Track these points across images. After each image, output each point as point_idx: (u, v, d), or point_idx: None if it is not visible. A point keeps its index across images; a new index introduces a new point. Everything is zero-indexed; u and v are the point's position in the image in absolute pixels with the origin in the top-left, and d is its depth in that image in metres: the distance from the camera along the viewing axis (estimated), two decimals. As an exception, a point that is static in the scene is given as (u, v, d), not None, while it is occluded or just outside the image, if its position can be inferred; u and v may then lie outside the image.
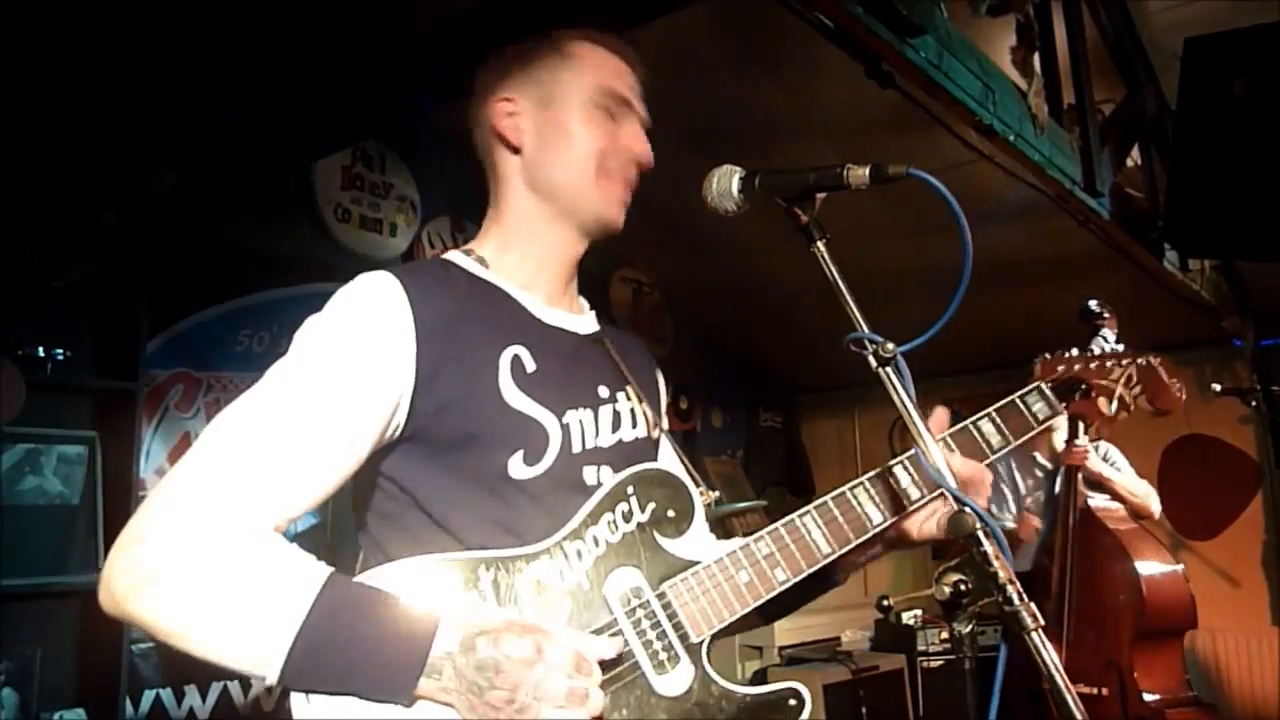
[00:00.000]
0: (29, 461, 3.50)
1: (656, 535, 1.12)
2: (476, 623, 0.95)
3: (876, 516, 1.25)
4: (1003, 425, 1.38)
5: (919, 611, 5.00)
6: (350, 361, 1.05)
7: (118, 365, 3.71)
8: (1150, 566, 3.32)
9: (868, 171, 1.14)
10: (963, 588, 1.00)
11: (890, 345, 1.11)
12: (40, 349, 3.41)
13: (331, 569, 0.97)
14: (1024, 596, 1.00)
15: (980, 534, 1.02)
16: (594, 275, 5.85)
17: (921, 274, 4.05)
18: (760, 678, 4.71)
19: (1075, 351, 1.55)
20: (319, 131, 3.53)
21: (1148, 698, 3.13)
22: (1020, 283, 4.92)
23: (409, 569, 1.01)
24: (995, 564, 1.01)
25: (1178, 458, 5.69)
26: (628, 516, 1.11)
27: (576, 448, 1.13)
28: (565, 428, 1.12)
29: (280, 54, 3.62)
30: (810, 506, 1.23)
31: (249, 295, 4.28)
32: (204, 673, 3.90)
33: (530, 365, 1.13)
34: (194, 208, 3.91)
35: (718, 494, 1.28)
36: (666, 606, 1.08)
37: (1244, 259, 4.34)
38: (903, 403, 1.11)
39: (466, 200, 5.25)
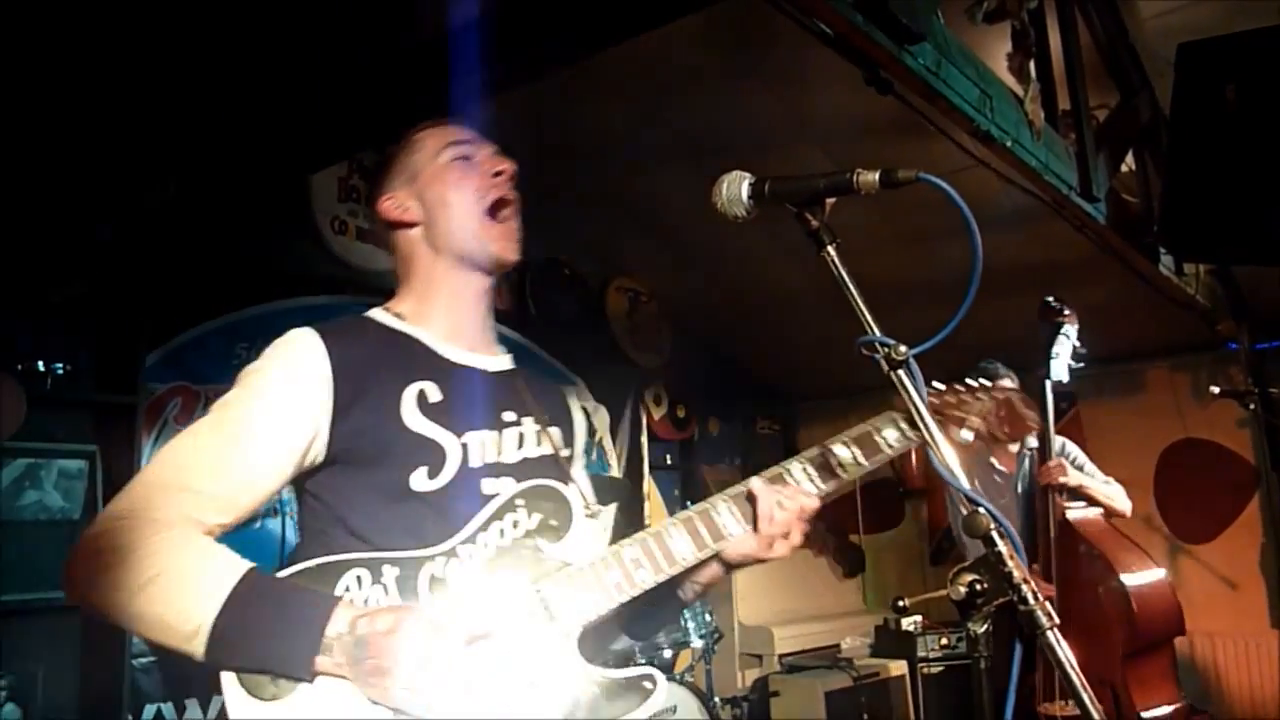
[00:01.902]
0: (29, 476, 3.49)
1: (539, 541, 1.30)
2: (361, 608, 1.16)
3: (734, 529, 1.39)
4: (857, 451, 1.53)
5: (919, 618, 5.01)
6: (276, 400, 1.25)
7: (117, 379, 3.70)
8: (1136, 578, 3.22)
9: (877, 176, 1.15)
10: (978, 587, 1.00)
11: (903, 348, 1.12)
12: (40, 364, 3.41)
13: (252, 564, 1.17)
14: (1039, 596, 1.00)
15: (994, 534, 1.03)
16: (591, 284, 5.87)
17: (921, 282, 4.08)
18: (761, 686, 4.71)
19: (940, 386, 1.64)
20: (315, 144, 3.54)
21: (1145, 714, 3.10)
22: (1016, 289, 4.92)
23: (325, 566, 1.20)
24: (1010, 564, 1.02)
25: (1175, 461, 5.71)
26: (516, 524, 1.30)
27: (476, 463, 1.32)
28: (464, 446, 1.32)
29: (277, 66, 3.63)
30: (676, 517, 1.37)
31: (247, 308, 4.28)
32: (205, 686, 3.89)
33: (435, 396, 1.33)
34: (192, 222, 3.91)
35: (599, 509, 1.43)
36: (543, 600, 1.25)
37: (1239, 263, 4.37)
38: (914, 405, 1.11)
39: (463, 211, 5.27)
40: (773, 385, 7.15)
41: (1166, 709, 3.20)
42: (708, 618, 3.74)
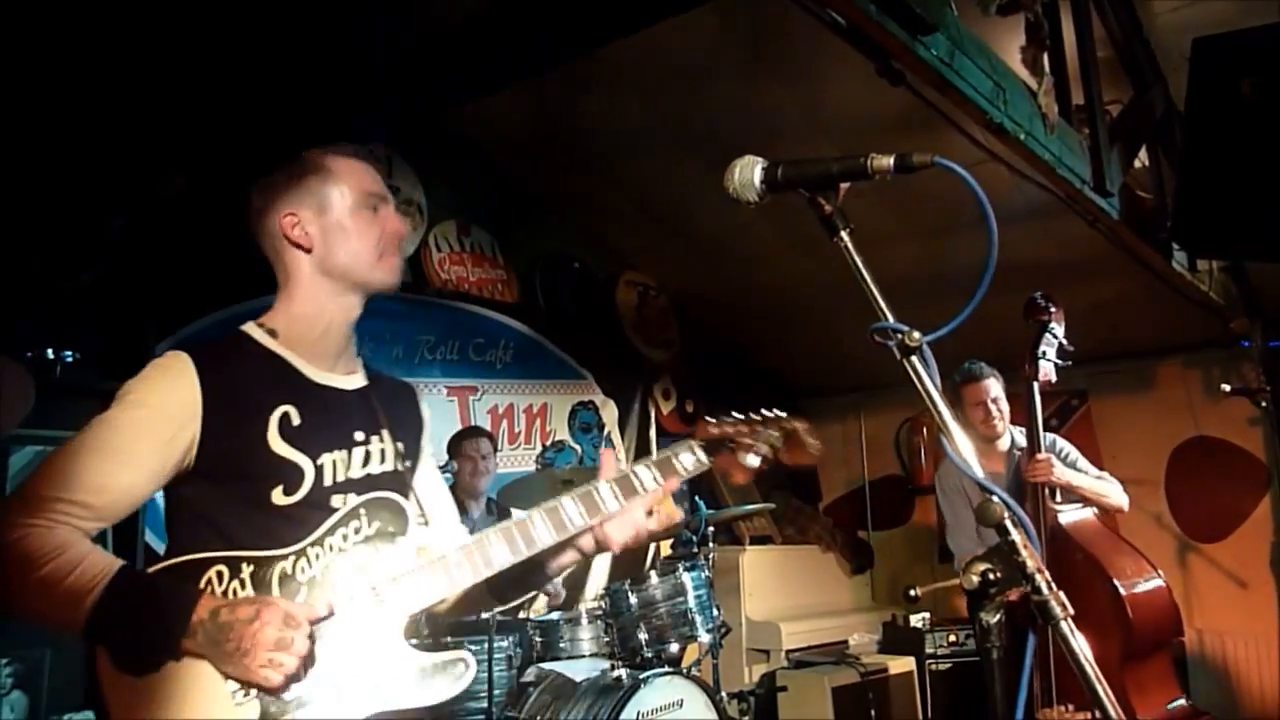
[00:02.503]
0: (38, 463, 3.50)
1: (378, 544, 1.51)
2: (221, 599, 1.36)
3: (577, 520, 1.61)
4: (657, 474, 1.71)
5: (927, 614, 4.99)
6: (151, 422, 1.42)
7: (126, 368, 3.68)
8: (1131, 584, 3.12)
9: (892, 161, 1.13)
10: (990, 577, 0.99)
11: (916, 334, 1.10)
12: (49, 352, 3.42)
13: (124, 562, 1.34)
14: (1053, 585, 0.99)
15: (1008, 523, 1.01)
16: (601, 278, 5.87)
17: (930, 277, 4.05)
18: (768, 681, 4.70)
19: (735, 415, 1.83)
20: (324, 135, 3.54)
21: (1140, 717, 3.06)
22: (1027, 286, 4.90)
23: (189, 563, 1.39)
24: (1023, 553, 1.00)
25: (1186, 460, 5.67)
26: (358, 530, 1.50)
27: (328, 481, 1.51)
28: (319, 468, 1.51)
29: (289, 58, 3.64)
30: (497, 527, 1.57)
31: (256, 299, 4.26)
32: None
33: (296, 420, 1.50)
34: (202, 213, 3.92)
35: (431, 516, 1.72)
36: (376, 593, 1.46)
37: (1252, 259, 4.33)
38: (928, 392, 1.10)
39: (473, 204, 5.27)
40: (782, 381, 7.13)
41: (1166, 712, 3.16)
42: (715, 612, 3.73)
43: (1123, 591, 3.09)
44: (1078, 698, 3.05)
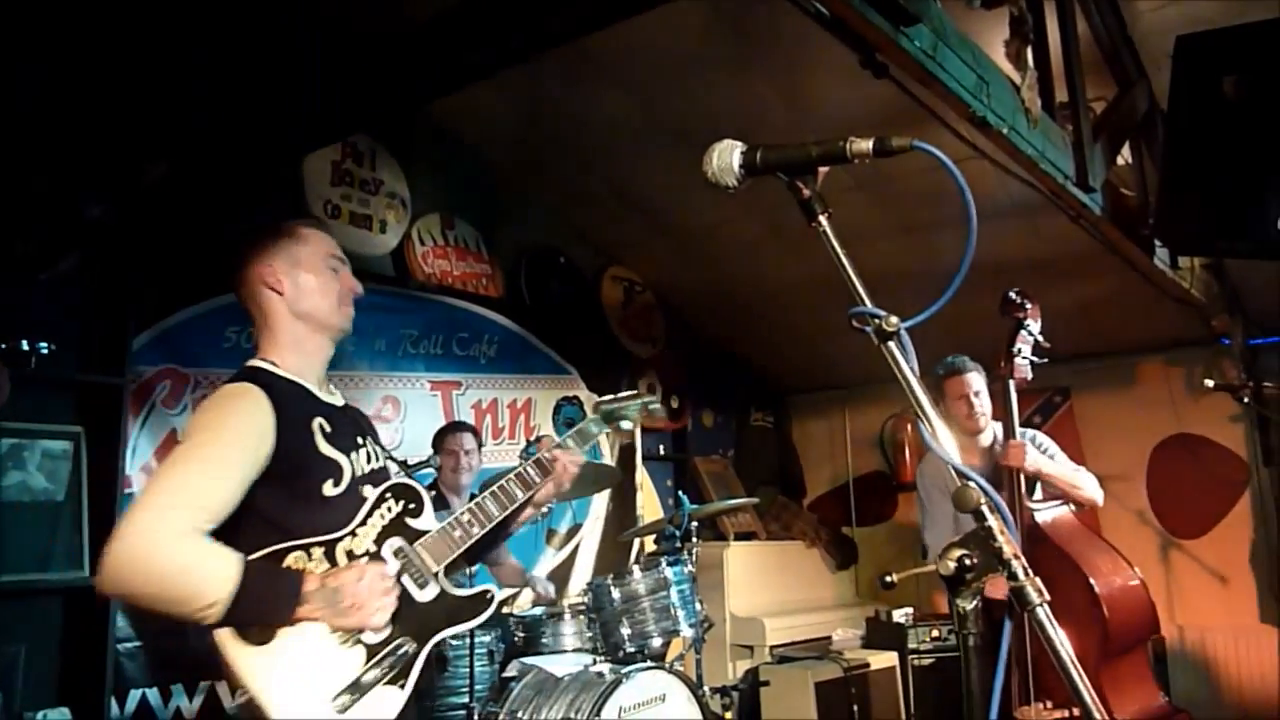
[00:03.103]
0: (13, 457, 3.46)
1: (406, 519, 1.92)
2: (323, 571, 1.76)
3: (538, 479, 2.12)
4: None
5: (910, 610, 5.00)
6: (242, 442, 1.74)
7: (104, 360, 3.67)
8: (1108, 583, 3.11)
9: (871, 144, 1.12)
10: (967, 562, 0.98)
11: (894, 319, 1.10)
12: (25, 342, 3.36)
13: (242, 554, 1.66)
14: (1029, 571, 0.98)
15: (984, 509, 1.01)
16: (587, 273, 5.85)
17: (911, 273, 4.04)
18: (752, 675, 4.70)
19: (556, 438, 2.22)
20: (309, 126, 3.51)
21: (1123, 718, 3.06)
22: (1011, 283, 4.93)
23: (274, 553, 1.74)
24: (999, 538, 1.00)
25: (1167, 456, 5.71)
26: (390, 509, 1.91)
27: (359, 474, 1.90)
28: (352, 463, 1.89)
29: (272, 48, 3.60)
30: (493, 486, 2.06)
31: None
32: (191, 672, 3.86)
33: (328, 428, 1.87)
34: (183, 202, 3.88)
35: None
36: (415, 553, 1.90)
37: (1234, 257, 4.35)
38: (905, 377, 1.09)
39: (457, 198, 5.24)
40: (766, 378, 7.14)
41: (1143, 710, 3.16)
42: (698, 606, 3.72)
43: (1099, 590, 3.10)
44: (1056, 695, 3.06)
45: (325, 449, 1.84)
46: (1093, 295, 5.17)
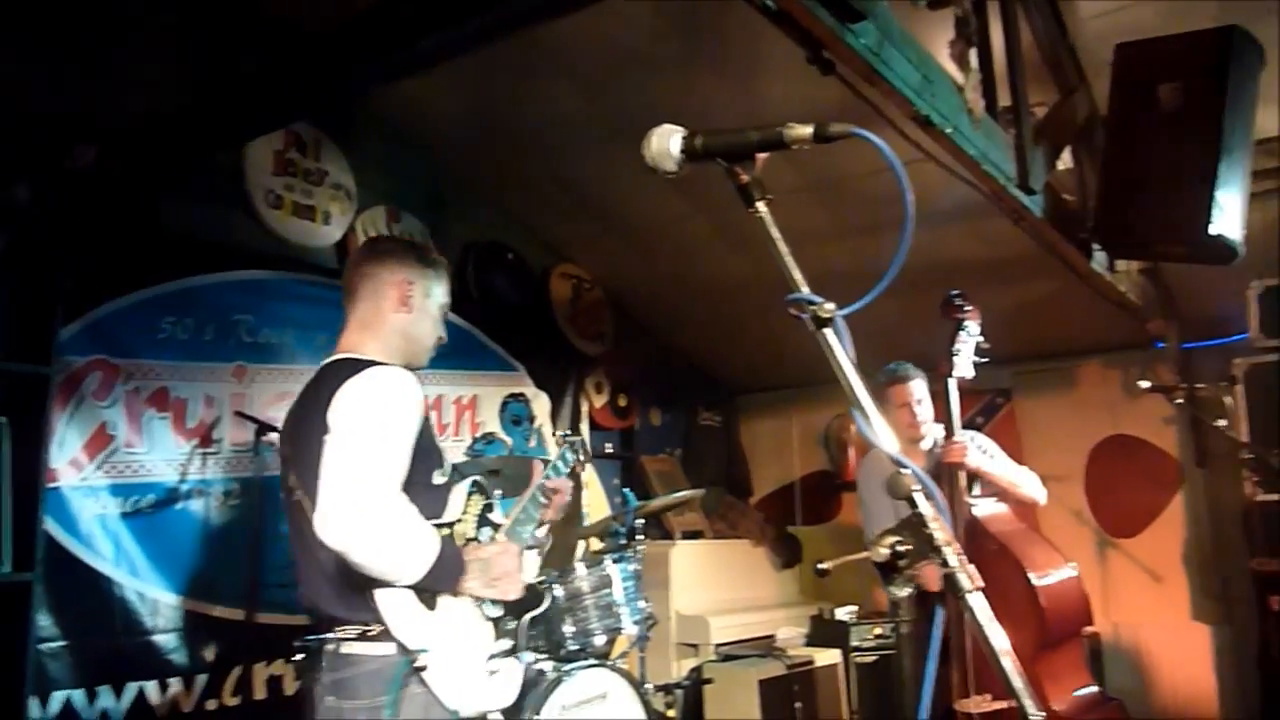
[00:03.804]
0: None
1: (487, 512, 2.14)
2: (472, 547, 2.04)
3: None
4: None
5: (854, 608, 5.03)
6: (413, 424, 1.96)
7: (30, 349, 3.54)
8: (1044, 577, 3.19)
9: (810, 130, 1.12)
10: (900, 549, 0.97)
11: (829, 306, 1.09)
12: (-54, 331, 3.25)
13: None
14: (962, 558, 0.98)
15: (918, 496, 1.00)
16: (535, 269, 5.81)
17: (860, 274, 4.08)
18: (695, 674, 4.70)
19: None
20: (246, 111, 3.42)
21: (1058, 707, 3.12)
22: (954, 286, 5.00)
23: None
24: (932, 525, 0.99)
25: (1105, 456, 5.83)
26: (477, 501, 2.15)
27: (448, 466, 2.12)
28: (445, 456, 2.15)
29: (208, 30, 3.52)
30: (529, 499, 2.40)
31: (173, 281, 4.14)
32: (119, 673, 3.75)
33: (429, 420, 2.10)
34: (116, 187, 3.77)
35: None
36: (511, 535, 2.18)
37: (1167, 261, 4.45)
38: (839, 364, 1.08)
39: (403, 191, 5.16)
40: (715, 377, 7.16)
41: (1078, 699, 3.22)
42: (641, 604, 3.70)
43: (1036, 582, 3.16)
44: (996, 688, 3.10)
45: (435, 437, 2.09)
46: (1034, 298, 5.26)
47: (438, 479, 2.03)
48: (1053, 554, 3.31)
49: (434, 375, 5.12)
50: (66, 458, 3.70)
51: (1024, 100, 3.31)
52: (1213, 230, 3.41)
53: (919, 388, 3.70)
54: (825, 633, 5.11)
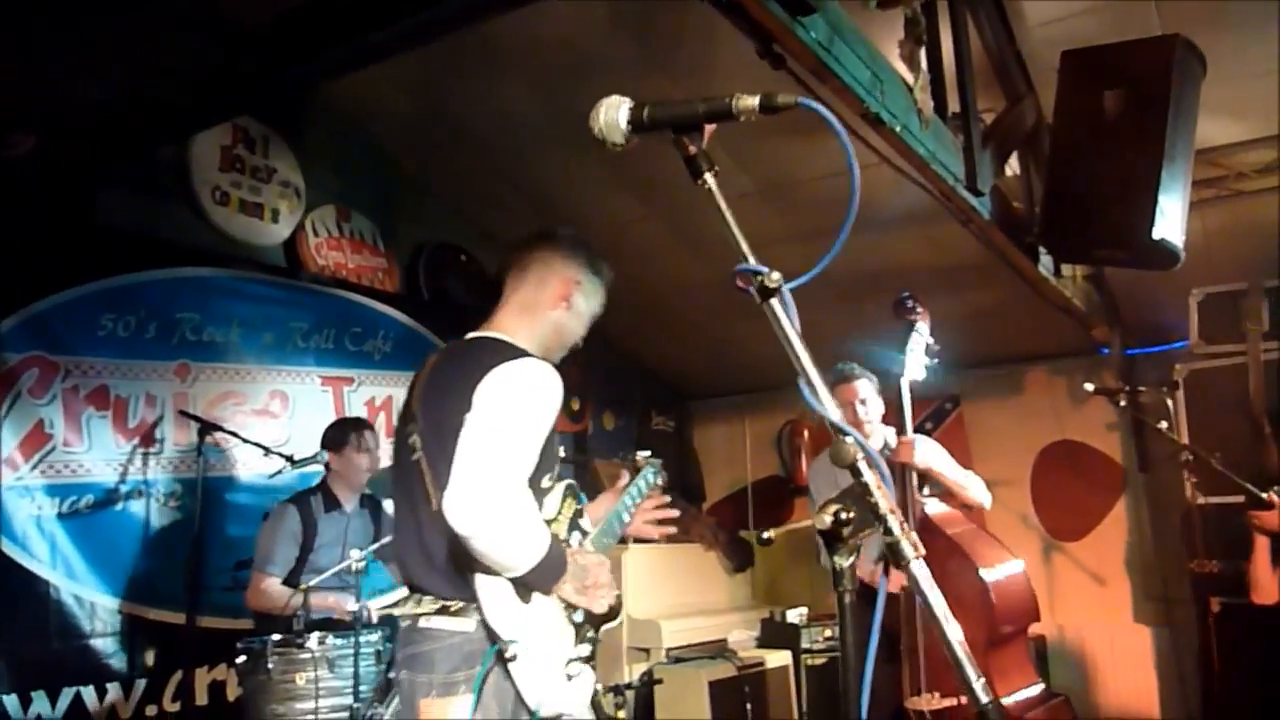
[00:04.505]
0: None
1: (577, 518, 2.14)
2: (572, 552, 1.99)
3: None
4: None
5: (804, 610, 5.05)
6: (548, 419, 1.96)
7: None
8: (994, 572, 3.22)
9: (757, 100, 1.11)
10: (843, 516, 0.97)
11: (776, 275, 1.08)
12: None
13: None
14: (905, 526, 0.98)
15: (862, 464, 1.00)
16: (488, 270, 5.76)
17: (821, 277, 4.11)
18: (646, 677, 4.68)
19: None
20: (189, 103, 3.34)
21: (1006, 701, 3.14)
22: (907, 290, 5.06)
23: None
24: (876, 494, 0.99)
25: (1050, 461, 5.92)
26: (570, 505, 2.13)
27: (558, 471, 2.09)
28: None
29: (151, 18, 3.44)
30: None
31: (115, 277, 4.05)
32: (54, 678, 3.65)
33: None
34: (55, 179, 3.68)
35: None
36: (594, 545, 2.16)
37: (1113, 265, 4.54)
38: (786, 335, 1.08)
39: (354, 190, 5.10)
40: (669, 382, 7.16)
41: (1025, 694, 3.26)
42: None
43: (986, 578, 3.19)
44: (946, 685, 3.12)
45: (556, 444, 2.04)
46: (982, 305, 5.33)
47: (547, 482, 2.01)
48: (1002, 551, 3.34)
49: (384, 376, 5.06)
50: (1, 456, 3.59)
51: (973, 101, 3.37)
52: (1155, 235, 3.48)
53: (864, 388, 3.73)
54: (776, 635, 5.12)
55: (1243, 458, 4.12)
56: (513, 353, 2.01)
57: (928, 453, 3.44)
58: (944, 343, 3.54)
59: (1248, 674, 4.34)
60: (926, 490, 3.55)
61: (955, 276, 4.99)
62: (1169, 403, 4.75)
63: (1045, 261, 4.30)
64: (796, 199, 4.92)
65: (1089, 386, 4.18)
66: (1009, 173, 4.21)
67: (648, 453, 2.63)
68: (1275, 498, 3.65)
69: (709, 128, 1.16)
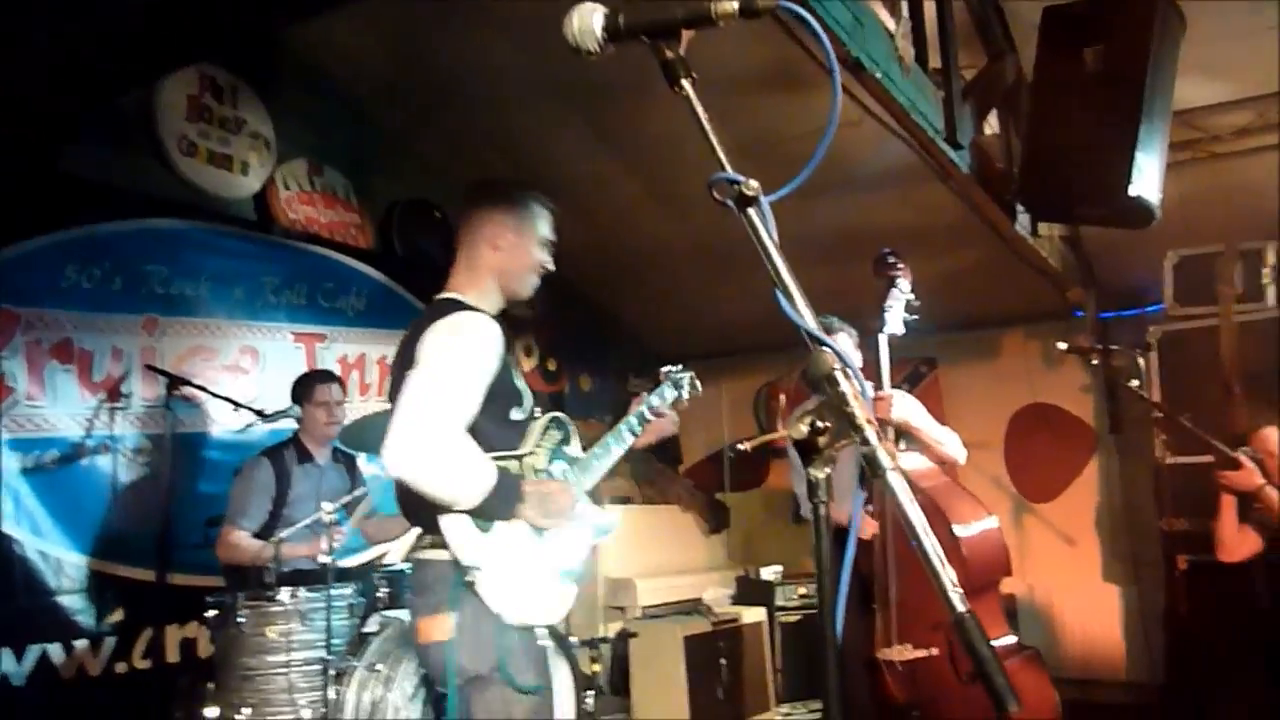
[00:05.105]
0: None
1: (563, 445, 2.31)
2: (532, 480, 2.16)
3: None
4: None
5: (779, 568, 5.07)
6: (486, 367, 2.10)
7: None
8: (967, 527, 3.21)
9: (736, 5, 1.08)
10: (819, 424, 0.94)
11: (754, 183, 1.05)
12: None
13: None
14: (883, 436, 0.96)
15: (839, 374, 0.98)
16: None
17: (791, 237, 4.08)
18: (622, 636, 4.69)
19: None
20: (148, 46, 3.24)
21: None
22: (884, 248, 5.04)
23: (499, 458, 2.11)
24: (853, 404, 0.97)
25: (1023, 424, 5.97)
26: (553, 436, 2.30)
27: (530, 404, 2.26)
28: (526, 395, 2.25)
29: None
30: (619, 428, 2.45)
31: (79, 227, 3.95)
32: (20, 635, 3.60)
33: (513, 363, 2.21)
34: (16, 127, 3.57)
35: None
36: (574, 474, 2.29)
37: (1091, 224, 4.54)
38: (764, 245, 1.05)
39: (326, 144, 5.00)
40: (646, 343, 7.12)
41: (998, 645, 3.28)
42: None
43: (960, 532, 3.19)
44: (917, 637, 3.14)
45: (517, 380, 2.20)
46: (960, 267, 5.34)
47: (516, 415, 2.16)
48: (976, 506, 3.34)
49: (358, 334, 5.00)
50: (-38, 407, 3.52)
51: (954, 54, 3.34)
52: (1132, 191, 3.48)
53: (843, 341, 3.71)
54: (751, 592, 5.15)
55: (1213, 419, 4.16)
56: (451, 308, 2.17)
57: (905, 407, 3.43)
58: (921, 305, 3.53)
59: (1213, 630, 4.41)
60: (903, 445, 3.55)
61: (932, 239, 4.98)
62: (1141, 364, 4.78)
63: (1023, 220, 4.30)
64: (777, 157, 4.87)
65: (1062, 346, 4.19)
66: (988, 131, 4.20)
67: (672, 368, 2.65)
68: (1244, 458, 3.68)
69: (686, 34, 1.12)
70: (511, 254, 2.25)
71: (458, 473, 1.98)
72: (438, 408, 1.98)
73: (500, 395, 2.12)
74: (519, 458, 2.17)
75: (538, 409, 2.34)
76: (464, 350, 2.08)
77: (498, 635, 2.04)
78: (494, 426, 2.12)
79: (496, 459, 2.09)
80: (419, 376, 2.05)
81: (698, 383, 2.73)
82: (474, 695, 2.07)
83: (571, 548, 2.23)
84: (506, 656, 2.04)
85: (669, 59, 1.11)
